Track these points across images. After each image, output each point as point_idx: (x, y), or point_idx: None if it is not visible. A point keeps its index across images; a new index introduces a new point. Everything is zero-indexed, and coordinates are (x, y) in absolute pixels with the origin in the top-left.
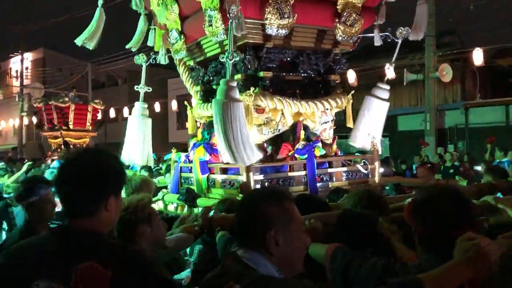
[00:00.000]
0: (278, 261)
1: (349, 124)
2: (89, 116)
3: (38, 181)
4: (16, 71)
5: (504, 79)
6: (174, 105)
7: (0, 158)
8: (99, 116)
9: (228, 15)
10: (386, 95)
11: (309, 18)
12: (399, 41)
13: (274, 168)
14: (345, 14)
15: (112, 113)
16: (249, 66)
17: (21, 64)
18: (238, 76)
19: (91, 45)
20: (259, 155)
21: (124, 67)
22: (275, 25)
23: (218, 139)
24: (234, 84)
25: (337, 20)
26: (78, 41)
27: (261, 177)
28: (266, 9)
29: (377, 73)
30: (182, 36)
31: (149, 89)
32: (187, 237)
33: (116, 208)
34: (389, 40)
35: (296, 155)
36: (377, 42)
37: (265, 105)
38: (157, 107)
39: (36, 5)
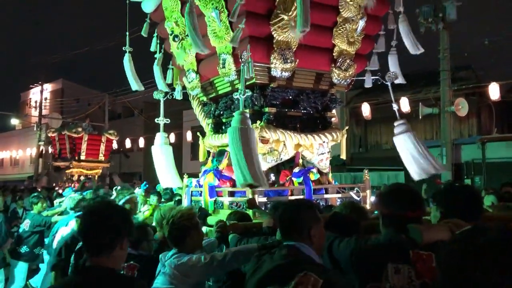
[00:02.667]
0: (316, 248)
1: (343, 156)
2: (102, 147)
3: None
4: (36, 102)
5: None
6: (188, 136)
7: (14, 187)
8: (115, 145)
9: (240, 59)
10: (403, 127)
11: (309, 63)
12: (389, 83)
13: (276, 192)
14: (340, 60)
15: (128, 143)
16: (255, 103)
17: (41, 94)
18: (246, 111)
19: (142, 87)
20: (266, 182)
21: (141, 99)
22: (279, 68)
23: (233, 163)
24: (247, 114)
25: (333, 65)
26: (134, 87)
27: (264, 199)
28: (272, 55)
29: (391, 106)
30: (197, 76)
31: (167, 120)
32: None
33: (126, 247)
34: (373, 81)
35: (293, 178)
36: (368, 84)
37: (269, 136)
38: (172, 137)
39: (57, 37)
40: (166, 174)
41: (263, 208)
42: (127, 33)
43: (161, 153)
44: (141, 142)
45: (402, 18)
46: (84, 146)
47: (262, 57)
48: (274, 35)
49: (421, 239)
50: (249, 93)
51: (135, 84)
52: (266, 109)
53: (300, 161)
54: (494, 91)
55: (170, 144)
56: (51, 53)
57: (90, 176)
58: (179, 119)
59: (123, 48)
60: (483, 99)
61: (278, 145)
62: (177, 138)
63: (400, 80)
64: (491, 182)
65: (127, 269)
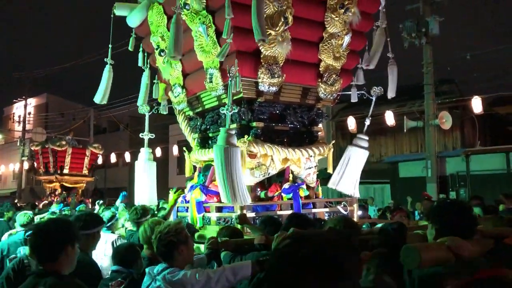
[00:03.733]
0: None
1: (330, 170)
2: (86, 161)
3: (98, 219)
4: (19, 116)
5: (503, 127)
6: (175, 150)
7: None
8: (99, 160)
9: (228, 74)
10: (365, 144)
11: (295, 78)
12: (373, 98)
13: (264, 207)
14: (326, 74)
15: (113, 158)
16: (243, 117)
17: (24, 109)
18: (233, 126)
19: (104, 101)
20: (249, 199)
21: (126, 113)
22: (266, 83)
23: (218, 180)
24: (233, 132)
25: (319, 79)
26: (97, 99)
27: (253, 214)
28: (259, 70)
29: (376, 119)
30: (183, 90)
31: (152, 135)
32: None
33: (73, 253)
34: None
35: (282, 193)
36: (354, 99)
37: (257, 151)
38: (158, 152)
39: (41, 52)
40: (145, 190)
41: (254, 223)
42: (110, 46)
43: (145, 169)
44: (127, 157)
45: (379, 31)
46: (68, 160)
47: (249, 71)
48: (262, 50)
49: (419, 259)
50: (236, 108)
51: (100, 96)
52: (254, 124)
53: (290, 176)
54: (477, 104)
55: (155, 159)
56: (35, 68)
57: (74, 191)
58: (165, 133)
59: (105, 60)
60: (467, 112)
61: (266, 159)
62: (163, 153)
63: (391, 94)
64: (476, 194)
65: (114, 285)
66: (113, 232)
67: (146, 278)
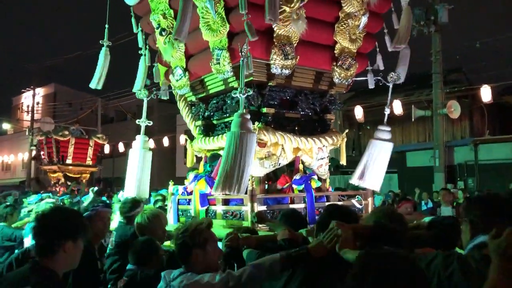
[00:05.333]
0: None
1: (343, 161)
2: (90, 151)
3: (97, 200)
4: (28, 106)
5: None
6: (182, 139)
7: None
8: (107, 150)
9: (240, 53)
10: (388, 135)
11: (309, 61)
12: (390, 85)
13: (276, 200)
14: (341, 58)
15: (121, 147)
16: (252, 103)
17: (33, 99)
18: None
19: (99, 86)
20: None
21: (134, 102)
22: (279, 65)
23: (224, 167)
24: (248, 116)
25: (334, 63)
26: (92, 85)
27: (264, 208)
28: (272, 50)
29: (383, 109)
30: (186, 73)
31: (149, 122)
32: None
33: (75, 251)
34: (375, 81)
35: (293, 185)
36: (371, 85)
37: (267, 139)
38: (165, 141)
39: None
40: (136, 182)
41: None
42: (106, 26)
43: (138, 158)
44: None
45: (406, 9)
46: (71, 150)
47: (261, 52)
48: (275, 29)
49: None
50: (250, 91)
51: (96, 80)
52: (264, 110)
53: (300, 166)
54: (486, 93)
55: (161, 149)
56: (43, 58)
57: (80, 181)
58: (173, 122)
59: (101, 42)
60: (475, 101)
61: (276, 148)
62: (171, 142)
63: (401, 80)
64: (484, 184)
65: (121, 282)
66: None
67: (161, 283)
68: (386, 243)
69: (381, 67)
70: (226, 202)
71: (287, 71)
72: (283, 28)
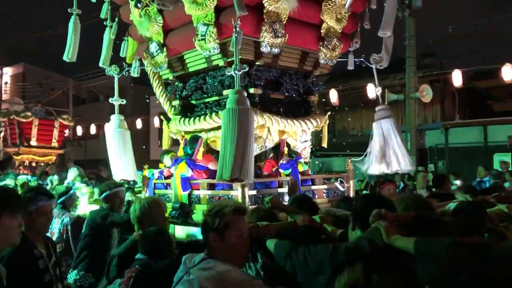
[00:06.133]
0: None
1: (324, 144)
2: (55, 133)
3: (39, 192)
4: None
5: (482, 100)
6: (156, 122)
7: None
8: (79, 132)
9: (234, 29)
10: (387, 112)
11: (296, 40)
12: (374, 66)
13: (264, 184)
14: (327, 38)
15: (93, 129)
16: (239, 82)
17: (0, 78)
18: (228, 91)
19: (73, 58)
20: (251, 175)
21: (106, 83)
22: (269, 43)
23: (221, 149)
24: (245, 93)
25: (320, 43)
26: (65, 57)
27: (254, 192)
28: (263, 27)
29: (358, 93)
30: (163, 49)
31: (123, 101)
32: None
33: (11, 223)
34: (363, 66)
35: (280, 169)
36: (351, 66)
37: (255, 121)
38: (138, 123)
39: (18, 20)
40: (121, 164)
41: (254, 202)
42: None
43: (116, 138)
44: None
45: None
46: (34, 132)
47: (250, 29)
48: (265, 4)
49: None
50: (246, 67)
51: (69, 53)
52: (251, 90)
53: (286, 149)
54: (457, 78)
55: (134, 131)
56: (11, 36)
57: (52, 163)
58: (146, 104)
59: (69, 10)
60: (447, 86)
61: (263, 131)
62: (144, 124)
63: (384, 64)
64: (453, 166)
65: (129, 273)
66: (68, 211)
67: (181, 267)
68: (429, 232)
69: (357, 45)
70: (211, 186)
71: (276, 50)
72: (273, 4)
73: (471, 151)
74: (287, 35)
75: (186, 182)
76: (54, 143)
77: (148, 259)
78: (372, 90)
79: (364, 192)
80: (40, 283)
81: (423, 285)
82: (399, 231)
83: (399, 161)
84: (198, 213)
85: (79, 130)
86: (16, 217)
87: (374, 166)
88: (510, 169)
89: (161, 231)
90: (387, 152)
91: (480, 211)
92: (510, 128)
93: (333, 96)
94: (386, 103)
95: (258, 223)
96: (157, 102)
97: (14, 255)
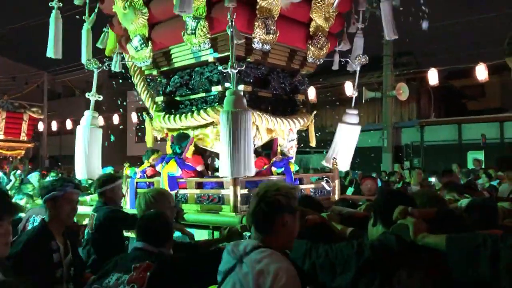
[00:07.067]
0: None
1: (312, 143)
2: (24, 126)
3: (66, 179)
4: None
5: (457, 99)
6: (133, 117)
7: None
8: (54, 127)
9: (230, 23)
10: (355, 119)
11: (286, 38)
12: (358, 68)
13: (255, 183)
14: (316, 37)
15: (68, 124)
16: (228, 79)
17: None
18: (217, 88)
19: (58, 55)
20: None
21: (82, 78)
22: (261, 39)
23: (224, 151)
24: (242, 93)
25: (309, 41)
26: (49, 53)
27: (245, 191)
28: (256, 23)
29: (336, 90)
30: (148, 43)
31: (99, 97)
32: None
33: None
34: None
35: (273, 168)
36: (335, 66)
37: None
38: (115, 119)
39: None
40: (86, 162)
41: (245, 200)
42: None
43: (86, 136)
44: None
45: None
46: (1, 125)
47: (242, 25)
48: (258, 0)
49: None
50: (243, 65)
51: (52, 49)
52: (241, 87)
53: (278, 148)
54: (432, 76)
55: (111, 127)
56: None
57: (24, 159)
58: (123, 99)
59: (50, 4)
60: (423, 84)
61: (251, 129)
62: (121, 120)
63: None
64: (429, 164)
65: (139, 270)
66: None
67: (226, 257)
68: (450, 227)
69: (347, 47)
70: (199, 185)
71: (267, 47)
72: (266, 0)
73: (446, 148)
74: (278, 32)
75: (174, 181)
76: (23, 137)
77: (155, 249)
78: (350, 88)
79: (350, 188)
80: (50, 276)
81: (453, 281)
82: (428, 228)
83: (342, 162)
84: (189, 213)
85: (54, 125)
86: (0, 224)
87: (326, 159)
88: (483, 166)
89: (162, 216)
90: (336, 152)
91: (494, 207)
92: (483, 126)
93: (311, 93)
94: (359, 105)
95: None
96: (136, 97)
97: (31, 243)
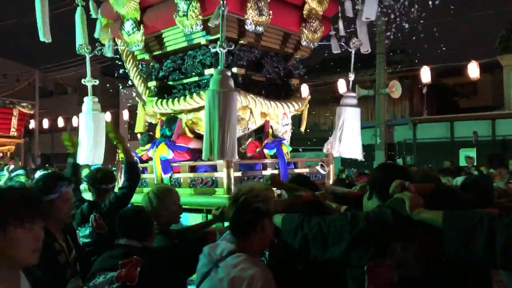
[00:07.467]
0: None
1: (303, 128)
2: (14, 121)
3: (58, 177)
4: None
5: (449, 97)
6: (125, 115)
7: None
8: (46, 124)
9: (221, 3)
10: (354, 100)
11: (279, 20)
12: (353, 51)
13: (248, 166)
14: (309, 20)
15: (60, 122)
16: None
17: None
18: (210, 71)
19: (47, 38)
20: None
21: (74, 75)
22: (254, 21)
23: (205, 130)
24: (229, 73)
25: (303, 25)
26: (41, 38)
27: (239, 174)
28: (248, 4)
29: (329, 87)
30: (140, 27)
31: (95, 81)
32: None
33: (19, 238)
34: (342, 50)
35: (265, 149)
36: (335, 49)
37: (238, 101)
38: (108, 117)
39: None
40: (91, 145)
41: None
42: None
43: (90, 121)
44: (75, 121)
45: None
46: None
47: (234, 6)
48: None
49: None
50: (232, 45)
51: (42, 33)
52: (235, 70)
53: (270, 131)
54: (425, 74)
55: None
56: None
57: (15, 156)
58: (115, 98)
59: None
60: (416, 82)
61: (245, 112)
62: (114, 118)
63: (365, 48)
64: (421, 161)
65: (128, 266)
66: None
67: (203, 259)
68: (447, 203)
69: (342, 32)
70: (193, 168)
71: (260, 29)
72: None
73: (438, 146)
74: (271, 13)
75: (167, 164)
76: (13, 132)
77: (139, 244)
78: (343, 85)
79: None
80: (61, 279)
81: (447, 257)
82: (425, 204)
83: (350, 148)
84: (183, 196)
85: (46, 123)
86: (31, 228)
87: (328, 143)
88: (475, 164)
89: (143, 210)
90: (342, 137)
91: (490, 185)
92: (475, 124)
93: (305, 90)
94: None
95: None
96: (127, 95)
97: None
